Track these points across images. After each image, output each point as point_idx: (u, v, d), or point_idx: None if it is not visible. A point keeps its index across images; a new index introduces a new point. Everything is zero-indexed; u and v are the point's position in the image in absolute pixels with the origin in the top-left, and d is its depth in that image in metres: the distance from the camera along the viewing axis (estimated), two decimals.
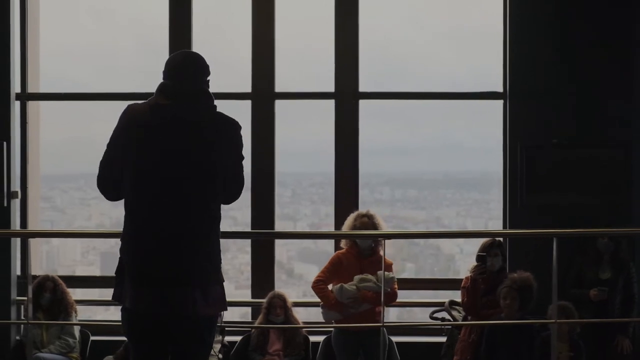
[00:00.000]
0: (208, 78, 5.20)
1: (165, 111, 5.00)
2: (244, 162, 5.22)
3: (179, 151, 4.98)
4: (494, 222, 12.79)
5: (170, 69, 5.14)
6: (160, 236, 4.96)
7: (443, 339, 8.93)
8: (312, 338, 9.18)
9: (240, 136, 5.16)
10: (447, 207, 13.33)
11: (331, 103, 9.84)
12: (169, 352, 5.11)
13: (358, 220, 8.53)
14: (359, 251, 8.54)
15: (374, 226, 8.47)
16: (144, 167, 4.98)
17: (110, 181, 5.13)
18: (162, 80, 5.17)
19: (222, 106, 5.23)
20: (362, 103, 9.82)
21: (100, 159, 5.17)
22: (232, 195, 5.23)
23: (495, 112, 9.88)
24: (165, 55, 9.75)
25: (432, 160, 11.82)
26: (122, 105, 10.00)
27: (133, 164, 5.00)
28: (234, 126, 5.13)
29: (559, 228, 7.74)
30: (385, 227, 8.62)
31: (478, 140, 11.88)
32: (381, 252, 8.31)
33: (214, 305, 5.06)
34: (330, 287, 8.46)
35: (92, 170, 10.99)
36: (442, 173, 12.74)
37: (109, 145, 5.12)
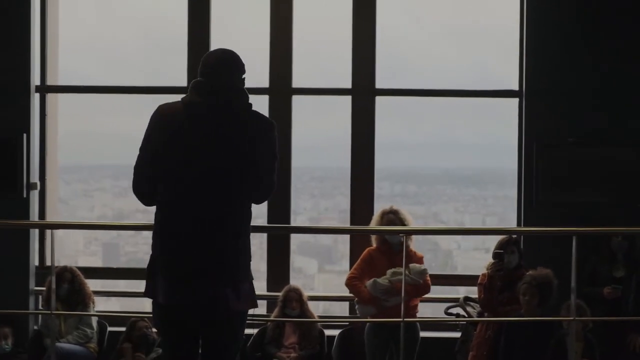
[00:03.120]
0: (244, 76, 5.12)
1: (199, 109, 4.95)
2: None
3: (213, 149, 4.93)
4: (491, 218, 12.81)
5: (206, 67, 5.08)
6: (194, 233, 4.93)
7: (457, 335, 8.90)
8: (327, 332, 9.18)
9: (275, 136, 5.10)
10: (445, 203, 13.33)
11: (348, 99, 9.80)
12: (200, 346, 5.10)
13: (384, 218, 8.59)
14: (390, 247, 8.57)
15: (400, 222, 8.54)
16: (178, 165, 4.94)
17: (148, 184, 5.08)
18: (197, 78, 5.11)
19: None
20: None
21: (135, 163, 5.12)
22: (263, 195, 5.18)
23: (503, 110, 9.91)
24: (181, 51, 9.85)
25: (432, 156, 11.76)
26: (131, 98, 10.17)
27: (167, 163, 4.95)
28: (269, 125, 5.08)
29: (574, 226, 7.71)
30: (412, 222, 8.66)
31: (478, 137, 11.81)
32: (411, 247, 8.37)
33: (245, 301, 5.05)
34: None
35: (95, 162, 10.93)
36: (441, 169, 12.72)
37: (142, 148, 5.07)
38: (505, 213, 12.91)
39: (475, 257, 12.21)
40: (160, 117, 5.02)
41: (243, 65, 5.14)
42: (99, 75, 10.42)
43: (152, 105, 10.26)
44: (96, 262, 10.82)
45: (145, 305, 10.89)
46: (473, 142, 11.94)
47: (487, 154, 12.13)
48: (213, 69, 5.04)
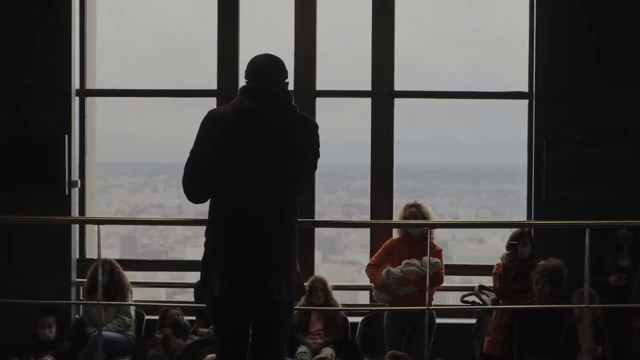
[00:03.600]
0: (287, 80, 5.22)
1: (250, 112, 5.04)
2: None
3: (264, 149, 5.02)
4: (484, 211, 12.88)
5: (255, 72, 5.16)
6: (246, 229, 5.02)
7: (472, 321, 9.08)
8: (351, 319, 9.31)
9: (318, 135, 5.21)
10: (440, 197, 13.37)
11: (368, 101, 9.90)
12: (250, 334, 5.20)
13: (407, 211, 8.77)
14: (411, 238, 8.74)
15: (422, 215, 8.70)
16: (232, 165, 5.03)
17: (198, 184, 5.15)
18: (245, 82, 5.20)
19: None
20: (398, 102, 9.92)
21: (185, 164, 5.18)
22: (304, 190, 5.29)
23: (512, 111, 10.06)
24: (210, 56, 9.95)
25: (429, 154, 11.87)
26: (158, 100, 10.29)
27: (222, 163, 5.04)
28: (313, 126, 5.20)
29: (585, 219, 7.84)
30: (434, 216, 8.84)
31: (473, 137, 11.93)
32: (432, 240, 8.54)
33: (294, 291, 5.17)
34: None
35: (113, 161, 10.93)
36: (438, 165, 12.80)
37: (194, 151, 5.13)
38: (497, 206, 13.09)
39: (469, 247, 12.25)
40: (213, 120, 5.09)
41: (287, 70, 5.24)
42: (132, 79, 10.52)
43: (180, 107, 10.49)
44: (114, 255, 10.87)
45: (160, 294, 11.10)
46: (479, 141, 12.05)
47: (489, 151, 12.25)
48: (261, 74, 5.12)
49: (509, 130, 10.92)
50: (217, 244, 5.11)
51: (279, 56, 5.36)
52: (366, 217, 10.76)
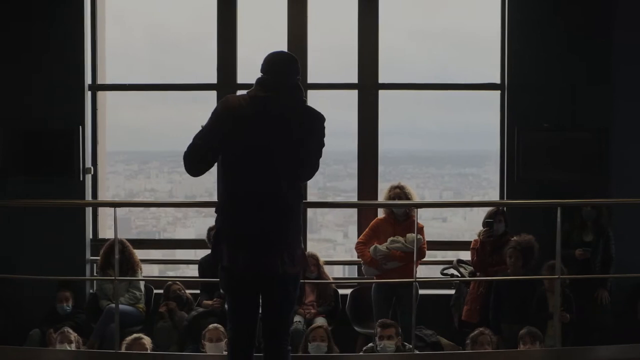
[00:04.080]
0: (299, 76, 5.32)
1: (264, 101, 5.13)
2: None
3: (273, 136, 5.11)
4: (447, 192, 12.99)
5: (270, 65, 5.24)
6: (256, 208, 5.10)
7: (451, 292, 9.24)
8: (341, 291, 9.43)
9: (324, 127, 5.28)
10: (407, 180, 13.54)
11: (354, 93, 10.01)
12: (260, 304, 5.28)
13: (392, 192, 8.86)
14: (395, 217, 8.86)
15: (406, 196, 8.79)
16: (242, 149, 5.11)
17: (200, 161, 5.22)
18: (261, 75, 5.27)
19: None
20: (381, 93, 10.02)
21: (191, 142, 5.23)
22: (309, 174, 5.37)
23: (485, 101, 10.21)
24: (207, 52, 10.09)
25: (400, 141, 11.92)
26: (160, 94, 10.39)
27: (233, 146, 5.12)
28: (320, 119, 5.27)
29: (556, 199, 7.95)
30: (415, 196, 8.94)
31: (441, 125, 12.03)
32: (414, 218, 8.68)
33: (298, 264, 5.26)
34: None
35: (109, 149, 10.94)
36: (406, 151, 12.87)
37: (204, 130, 5.20)
38: (459, 188, 13.22)
39: (434, 225, 12.31)
40: (228, 106, 5.17)
41: (299, 66, 5.34)
42: (138, 75, 10.59)
43: (181, 99, 10.56)
44: (111, 235, 10.96)
45: (154, 270, 11.16)
46: (445, 129, 12.14)
47: (456, 139, 12.37)
48: (275, 68, 5.21)
49: (479, 119, 11.06)
50: (225, 220, 5.20)
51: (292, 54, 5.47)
52: (341, 198, 10.90)
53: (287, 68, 5.26)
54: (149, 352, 7.68)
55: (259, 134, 5.12)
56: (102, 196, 10.24)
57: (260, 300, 5.32)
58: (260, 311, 5.36)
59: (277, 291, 5.24)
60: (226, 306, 8.59)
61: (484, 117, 10.69)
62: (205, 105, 10.66)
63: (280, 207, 5.16)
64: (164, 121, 11.48)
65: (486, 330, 7.82)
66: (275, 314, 5.28)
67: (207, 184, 13.14)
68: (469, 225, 12.12)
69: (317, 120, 5.26)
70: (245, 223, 5.15)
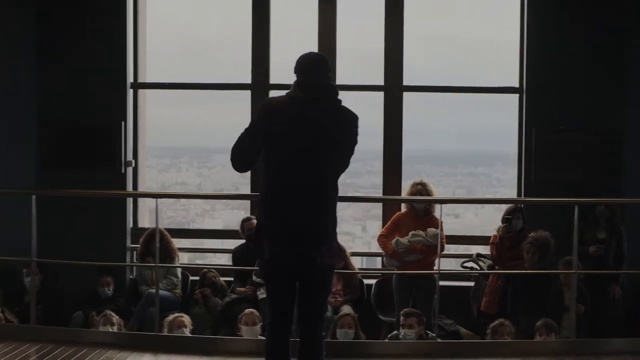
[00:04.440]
0: (331, 74, 5.27)
1: (303, 102, 5.11)
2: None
3: (312, 134, 5.09)
4: (460, 190, 12.98)
5: (304, 68, 5.20)
6: (296, 203, 5.08)
7: (470, 284, 9.22)
8: (366, 281, 9.40)
9: (357, 126, 5.25)
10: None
11: (380, 95, 10.02)
12: (297, 293, 5.24)
13: (414, 188, 8.85)
14: (416, 212, 8.85)
15: (427, 192, 8.79)
16: (284, 147, 5.09)
17: (246, 157, 5.21)
18: (298, 77, 5.22)
19: None
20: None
21: (237, 140, 5.21)
22: (341, 171, 5.33)
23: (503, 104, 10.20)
24: (241, 54, 10.10)
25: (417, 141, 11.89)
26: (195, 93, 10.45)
27: (275, 145, 5.10)
28: (354, 117, 5.24)
29: (573, 197, 7.90)
30: (436, 193, 8.92)
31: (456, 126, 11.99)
32: (434, 214, 8.69)
33: (334, 256, 5.23)
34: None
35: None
36: (423, 151, 12.87)
37: (249, 130, 5.19)
38: (471, 187, 13.20)
39: (447, 221, 12.20)
40: (271, 106, 5.16)
41: (330, 66, 5.29)
42: (177, 75, 10.63)
43: (210, 99, 10.59)
44: (148, 224, 11.00)
45: (183, 258, 11.20)
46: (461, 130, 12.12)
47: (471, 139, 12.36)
48: (309, 69, 5.17)
49: (495, 121, 11.06)
50: (266, 215, 5.18)
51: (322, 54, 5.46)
52: (359, 194, 10.86)
53: (320, 69, 5.22)
54: (187, 334, 7.71)
55: (299, 133, 5.10)
56: (142, 188, 10.28)
57: (298, 288, 5.28)
58: (297, 298, 5.32)
59: (314, 281, 5.22)
60: (258, 293, 8.75)
61: (500, 119, 10.71)
62: (233, 104, 10.76)
63: (319, 201, 5.15)
64: (193, 119, 11.51)
65: (506, 322, 7.79)
66: (312, 302, 5.25)
67: (234, 179, 13.18)
68: (480, 221, 12.17)
69: (352, 120, 5.24)
70: (286, 217, 5.12)
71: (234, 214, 12.39)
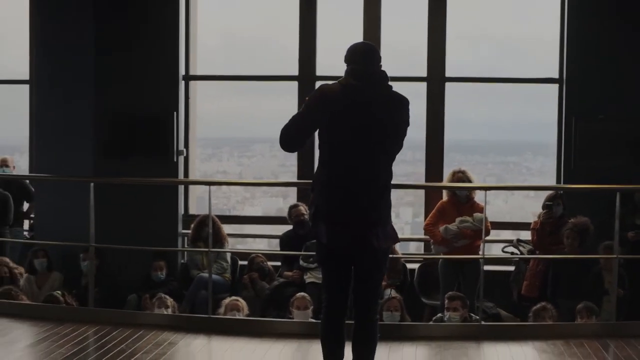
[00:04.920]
0: (381, 63, 5.17)
1: (356, 89, 5.02)
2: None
3: (366, 120, 5.00)
4: (490, 178, 12.95)
5: (355, 56, 5.11)
6: (353, 188, 5.01)
7: (511, 268, 9.10)
8: (409, 266, 9.37)
9: (408, 109, 5.16)
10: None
11: (423, 85, 9.94)
12: (353, 276, 5.16)
13: (455, 176, 8.79)
14: (458, 200, 8.78)
15: (468, 179, 8.72)
16: (339, 133, 5.01)
17: (296, 139, 5.13)
18: (349, 65, 5.10)
19: None
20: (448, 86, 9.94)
21: (288, 122, 5.11)
22: (396, 152, 5.23)
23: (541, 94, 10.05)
24: (289, 47, 10.10)
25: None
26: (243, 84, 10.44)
27: (330, 131, 5.03)
28: (405, 101, 5.14)
29: (615, 184, 7.76)
30: (475, 180, 8.84)
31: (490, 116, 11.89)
32: (475, 199, 8.61)
33: (390, 239, 5.15)
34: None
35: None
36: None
37: (302, 114, 5.09)
38: (501, 175, 13.15)
39: None
40: (324, 93, 5.05)
41: (380, 54, 5.19)
42: (226, 67, 10.64)
43: (262, 89, 10.58)
44: (196, 211, 11.06)
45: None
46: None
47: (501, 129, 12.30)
48: (360, 58, 5.08)
49: (529, 111, 11.00)
50: (323, 200, 5.10)
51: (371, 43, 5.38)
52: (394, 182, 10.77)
53: (371, 57, 5.13)
54: (241, 317, 7.70)
55: (353, 119, 5.01)
56: (192, 176, 10.31)
57: (354, 271, 5.20)
58: (353, 280, 5.23)
59: (369, 264, 5.14)
60: (305, 277, 8.72)
61: (532, 110, 10.63)
62: (278, 96, 10.74)
63: (375, 185, 5.07)
64: (233, 110, 11.53)
65: (548, 305, 7.69)
66: (367, 285, 5.17)
67: (273, 168, 13.24)
68: (509, 208, 12.25)
69: (403, 104, 5.15)
70: (343, 202, 5.04)
71: (273, 202, 12.43)
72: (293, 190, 11.03)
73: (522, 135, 12.35)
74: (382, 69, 5.17)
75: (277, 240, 9.90)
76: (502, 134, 12.28)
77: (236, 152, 13.41)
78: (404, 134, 5.20)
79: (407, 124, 5.19)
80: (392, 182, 5.21)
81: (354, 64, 5.10)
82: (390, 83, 5.12)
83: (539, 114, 10.69)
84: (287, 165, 13.21)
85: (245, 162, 13.40)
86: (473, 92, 10.51)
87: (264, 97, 11.10)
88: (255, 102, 11.44)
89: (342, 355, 5.20)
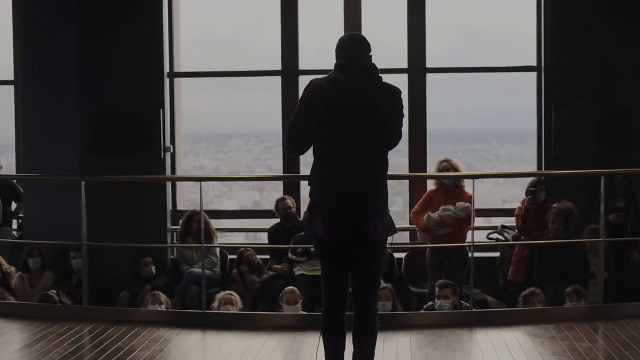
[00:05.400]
0: (370, 54, 5.00)
1: (343, 84, 4.89)
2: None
3: (356, 113, 4.87)
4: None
5: (343, 50, 4.96)
6: (347, 180, 4.88)
7: (496, 254, 9.03)
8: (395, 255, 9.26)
9: (401, 99, 5.00)
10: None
11: (404, 77, 9.78)
12: (350, 269, 5.04)
13: (441, 165, 8.68)
14: (446, 188, 8.67)
15: (454, 168, 8.61)
16: (331, 127, 4.89)
17: (300, 140, 5.02)
18: (337, 59, 4.96)
19: None
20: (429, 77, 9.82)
21: (289, 126, 5.01)
22: (393, 142, 5.07)
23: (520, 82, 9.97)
24: (271, 42, 9.96)
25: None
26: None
27: (322, 125, 4.91)
28: (396, 92, 4.99)
29: (598, 169, 7.73)
30: (462, 169, 8.73)
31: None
32: (464, 188, 8.51)
33: (388, 230, 5.01)
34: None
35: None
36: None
37: (298, 113, 4.96)
38: (471, 162, 13.12)
39: None
40: (312, 89, 4.94)
41: (369, 45, 5.01)
42: (209, 63, 10.49)
43: (242, 85, 10.44)
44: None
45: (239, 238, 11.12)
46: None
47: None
48: (347, 51, 4.93)
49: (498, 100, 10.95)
50: (318, 193, 4.99)
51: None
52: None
53: (358, 49, 4.97)
54: (234, 311, 7.56)
55: (342, 113, 4.88)
56: (180, 172, 10.19)
57: (352, 263, 5.05)
58: (351, 273, 5.09)
59: (367, 256, 5.01)
60: (294, 270, 8.59)
61: (500, 98, 10.57)
62: (259, 91, 10.62)
63: (370, 177, 4.94)
64: (210, 107, 11.41)
65: (537, 290, 7.62)
66: (366, 277, 5.05)
67: (248, 161, 13.14)
68: (479, 195, 11.86)
69: (394, 94, 4.99)
70: (338, 195, 4.92)
71: (250, 195, 12.33)
72: (269, 184, 10.97)
73: (495, 123, 12.29)
74: (371, 60, 4.99)
75: (258, 234, 9.87)
76: (474, 123, 12.21)
77: (212, 147, 13.32)
78: (399, 124, 5.02)
79: (401, 114, 5.03)
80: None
81: (342, 58, 4.96)
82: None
83: (513, 102, 10.64)
84: (261, 159, 13.16)
85: (221, 157, 13.32)
86: (452, 82, 10.42)
87: (246, 92, 10.96)
88: (233, 98, 11.32)
89: (343, 346, 5.08)
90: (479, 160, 13.28)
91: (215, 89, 10.88)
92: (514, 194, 12.42)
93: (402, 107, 5.03)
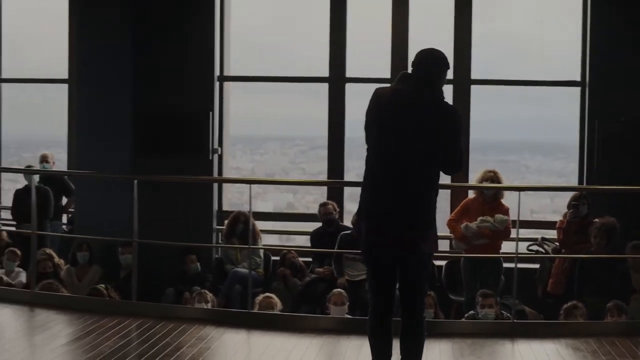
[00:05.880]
0: (440, 70, 4.86)
1: (401, 94, 4.85)
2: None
3: (410, 126, 4.79)
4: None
5: (414, 61, 4.91)
6: (393, 190, 4.81)
7: (532, 266, 8.89)
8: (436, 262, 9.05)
9: (457, 121, 4.86)
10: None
11: (449, 87, 9.60)
12: (398, 275, 4.96)
13: (486, 175, 8.54)
14: (485, 199, 8.57)
15: (498, 179, 8.48)
16: (384, 137, 4.83)
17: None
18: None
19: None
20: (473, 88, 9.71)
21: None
22: (452, 165, 4.92)
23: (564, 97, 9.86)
24: (320, 47, 9.86)
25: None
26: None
27: (377, 134, 4.87)
28: (453, 112, 4.89)
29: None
30: (504, 180, 8.59)
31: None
32: (502, 200, 8.38)
33: (431, 245, 4.91)
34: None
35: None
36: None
37: (366, 121, 4.95)
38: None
39: None
40: (377, 97, 4.92)
41: (445, 63, 4.91)
42: (258, 69, 10.46)
43: (284, 90, 10.40)
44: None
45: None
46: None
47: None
48: (417, 64, 4.88)
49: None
50: (366, 199, 4.95)
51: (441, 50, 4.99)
52: None
53: (425, 64, 4.86)
54: (277, 312, 7.48)
55: (397, 122, 4.82)
56: (226, 174, 10.17)
57: (398, 272, 4.97)
58: (398, 284, 5.03)
59: (412, 267, 4.92)
60: (332, 274, 8.53)
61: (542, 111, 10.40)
62: (305, 97, 10.56)
63: (415, 190, 4.82)
64: (249, 110, 11.41)
65: (579, 304, 7.44)
66: (411, 287, 4.97)
67: (284, 164, 13.10)
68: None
69: (449, 114, 4.87)
70: (383, 203, 4.85)
71: (285, 197, 12.30)
72: (301, 188, 10.89)
73: (526, 134, 12.13)
74: (433, 76, 4.86)
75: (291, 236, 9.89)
76: (506, 133, 12.07)
77: (249, 150, 13.37)
78: (453, 146, 4.85)
79: (454, 136, 4.86)
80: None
81: (412, 69, 4.92)
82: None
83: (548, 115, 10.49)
84: (296, 162, 13.14)
85: (257, 159, 13.29)
86: (486, 93, 10.17)
87: (287, 98, 10.95)
88: (273, 103, 11.30)
89: (389, 353, 5.02)
90: (508, 171, 13.17)
91: (255, 94, 10.86)
92: (542, 204, 12.32)
93: (458, 128, 4.89)
